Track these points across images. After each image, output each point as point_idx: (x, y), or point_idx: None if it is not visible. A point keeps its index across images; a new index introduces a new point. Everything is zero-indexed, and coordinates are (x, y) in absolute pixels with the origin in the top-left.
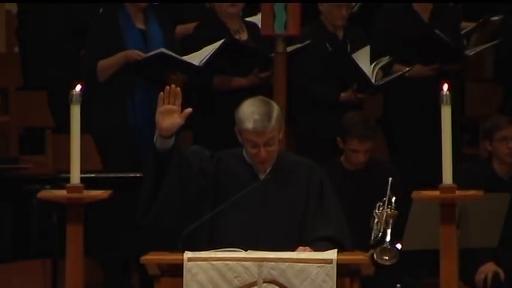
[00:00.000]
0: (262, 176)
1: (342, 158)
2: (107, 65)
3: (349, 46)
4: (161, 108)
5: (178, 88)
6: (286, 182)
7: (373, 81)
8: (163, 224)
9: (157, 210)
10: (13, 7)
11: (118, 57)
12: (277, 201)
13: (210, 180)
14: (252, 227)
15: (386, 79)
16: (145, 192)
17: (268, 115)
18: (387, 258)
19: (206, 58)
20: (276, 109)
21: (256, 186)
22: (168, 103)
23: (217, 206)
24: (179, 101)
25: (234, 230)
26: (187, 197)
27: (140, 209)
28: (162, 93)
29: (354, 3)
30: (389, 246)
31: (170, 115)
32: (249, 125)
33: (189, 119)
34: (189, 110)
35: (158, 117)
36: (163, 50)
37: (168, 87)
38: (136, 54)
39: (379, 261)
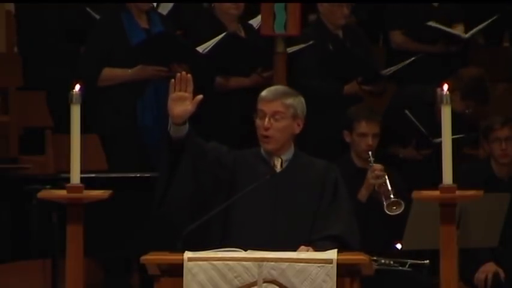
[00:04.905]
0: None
1: (352, 155)
2: (115, 75)
3: (348, 43)
4: (173, 95)
5: (190, 75)
6: (302, 180)
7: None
8: (175, 217)
9: (170, 201)
10: (13, 7)
11: (131, 74)
12: (291, 198)
13: (227, 174)
14: (264, 224)
15: (394, 68)
16: (160, 183)
17: (284, 92)
18: (395, 208)
19: (208, 48)
20: (297, 96)
21: (271, 178)
22: (180, 90)
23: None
24: (190, 88)
25: (246, 227)
26: (202, 189)
27: (155, 200)
28: (173, 80)
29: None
30: (394, 199)
31: (182, 102)
32: (263, 93)
33: (200, 106)
34: (200, 96)
35: (170, 104)
36: (167, 30)
37: (179, 74)
38: (156, 71)
39: (390, 212)
